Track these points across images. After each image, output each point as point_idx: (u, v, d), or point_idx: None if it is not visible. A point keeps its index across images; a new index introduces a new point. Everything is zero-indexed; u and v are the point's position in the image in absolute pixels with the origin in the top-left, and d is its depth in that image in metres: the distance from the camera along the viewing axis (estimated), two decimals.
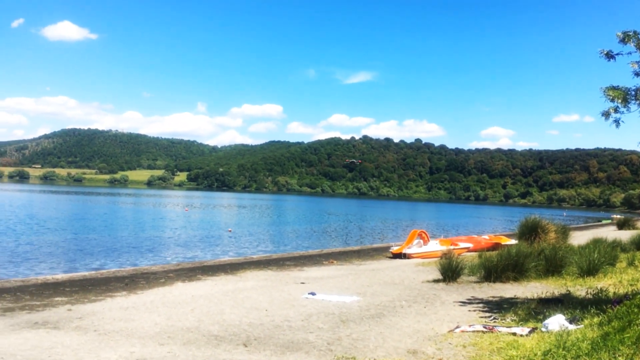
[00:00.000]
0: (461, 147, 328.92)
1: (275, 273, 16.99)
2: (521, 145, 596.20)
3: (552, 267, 14.83)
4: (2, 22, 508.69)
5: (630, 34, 8.90)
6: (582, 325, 7.62)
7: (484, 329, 8.37)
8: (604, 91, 8.96)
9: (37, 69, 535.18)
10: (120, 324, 9.04)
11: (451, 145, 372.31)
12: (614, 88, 8.95)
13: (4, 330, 8.54)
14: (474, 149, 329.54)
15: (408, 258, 22.17)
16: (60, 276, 15.57)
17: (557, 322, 7.89)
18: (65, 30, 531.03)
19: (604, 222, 71.33)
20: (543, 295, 11.29)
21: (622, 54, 9.02)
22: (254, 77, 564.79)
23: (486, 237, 28.72)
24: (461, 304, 11.30)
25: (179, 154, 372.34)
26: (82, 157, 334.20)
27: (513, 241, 23.86)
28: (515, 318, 9.25)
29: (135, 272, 16.46)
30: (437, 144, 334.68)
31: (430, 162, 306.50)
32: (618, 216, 73.07)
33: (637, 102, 8.86)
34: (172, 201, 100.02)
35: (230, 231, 39.54)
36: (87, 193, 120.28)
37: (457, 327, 8.84)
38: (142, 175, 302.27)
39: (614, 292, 10.55)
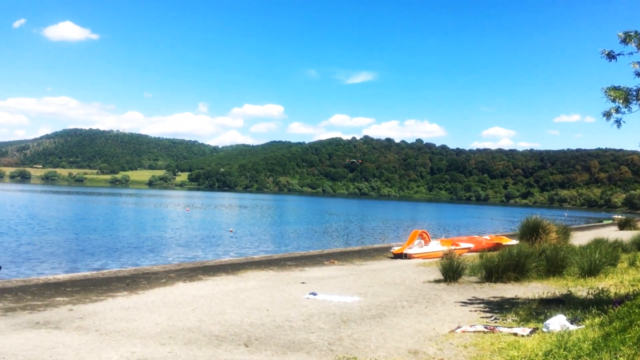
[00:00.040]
0: (462, 148, 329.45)
1: (277, 273, 16.99)
2: (522, 145, 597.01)
3: (553, 267, 14.82)
4: (3, 22, 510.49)
5: (632, 34, 8.90)
6: (583, 326, 7.62)
7: (485, 329, 8.36)
8: (605, 91, 8.96)
9: (39, 69, 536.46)
10: (121, 324, 9.04)
11: (452, 145, 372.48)
12: (615, 88, 8.95)
13: (5, 330, 8.55)
14: (475, 149, 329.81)
15: (409, 258, 22.16)
16: (62, 276, 15.58)
17: (558, 322, 7.89)
18: (67, 31, 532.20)
19: (605, 222, 71.28)
20: (544, 296, 11.28)
21: (623, 54, 9.02)
22: (255, 78, 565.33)
23: (487, 237, 28.71)
24: (462, 304, 11.29)
25: (180, 154, 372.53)
26: (83, 157, 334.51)
27: (514, 241, 23.86)
28: (516, 318, 9.25)
29: (136, 272, 16.47)
30: (438, 144, 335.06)
31: (431, 163, 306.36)
32: (619, 216, 73.00)
33: (639, 102, 8.85)
34: (173, 201, 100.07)
35: (231, 231, 39.55)
36: (88, 193, 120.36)
37: (458, 327, 8.84)
38: (144, 175, 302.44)
39: (615, 293, 10.54)
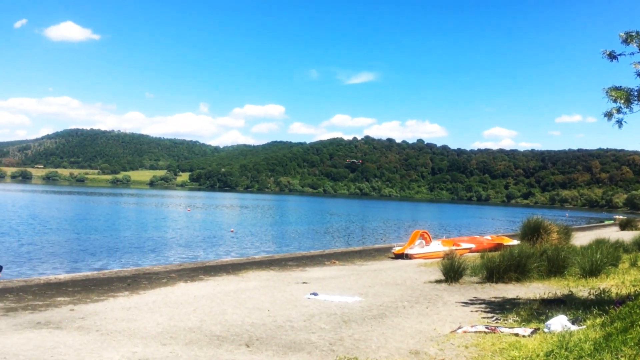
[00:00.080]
0: (463, 148, 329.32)
1: (278, 273, 16.99)
2: (523, 145, 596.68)
3: (555, 267, 14.81)
4: (5, 23, 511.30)
5: (633, 34, 8.89)
6: (584, 326, 7.61)
7: (486, 330, 8.36)
8: (607, 92, 8.95)
9: (40, 69, 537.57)
10: (122, 324, 9.05)
11: (453, 145, 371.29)
12: (616, 88, 8.94)
13: (6, 330, 8.56)
14: (476, 149, 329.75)
15: (410, 258, 22.16)
16: (63, 276, 15.59)
17: (559, 322, 7.88)
18: (68, 31, 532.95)
19: (606, 222, 71.23)
20: (545, 296, 11.27)
21: (624, 55, 9.01)
22: (256, 78, 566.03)
23: (488, 237, 28.70)
24: (463, 304, 11.28)
25: (181, 154, 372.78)
26: (84, 158, 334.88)
27: (515, 242, 23.83)
28: (517, 319, 9.24)
29: (137, 272, 16.48)
30: (439, 144, 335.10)
31: (433, 163, 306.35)
32: (620, 217, 72.96)
33: None
34: (174, 201, 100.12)
35: (232, 231, 39.57)
36: (89, 193, 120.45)
37: (460, 327, 8.83)
38: (145, 175, 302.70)
39: (617, 293, 10.53)
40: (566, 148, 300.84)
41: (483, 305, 11.02)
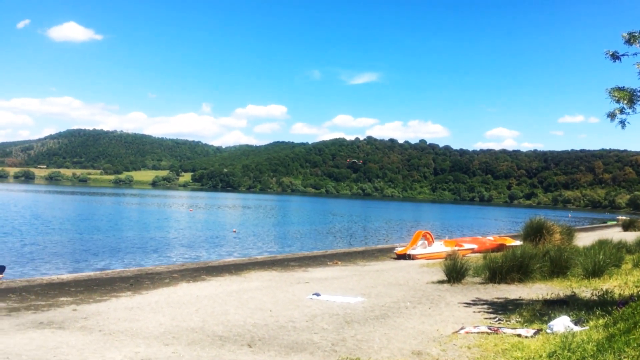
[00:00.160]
0: (466, 148, 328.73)
1: (280, 274, 16.99)
2: (526, 146, 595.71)
3: (557, 268, 14.79)
4: (7, 23, 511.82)
5: (636, 34, 8.87)
6: (587, 327, 7.60)
7: (489, 331, 8.35)
8: (610, 92, 8.94)
9: (43, 69, 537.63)
10: (125, 324, 9.06)
11: (456, 146, 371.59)
12: (619, 89, 8.92)
13: (9, 330, 8.57)
14: (478, 149, 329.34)
15: (412, 259, 22.14)
16: (66, 276, 15.62)
17: (562, 323, 7.86)
18: (71, 31, 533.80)
19: (609, 223, 71.15)
20: (548, 297, 11.26)
21: (627, 55, 8.99)
22: (258, 78, 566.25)
23: (491, 238, 28.69)
24: (466, 305, 11.27)
25: (183, 154, 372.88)
26: (87, 158, 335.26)
27: (518, 242, 23.81)
28: (520, 319, 9.23)
29: (140, 273, 16.49)
30: (441, 144, 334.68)
31: (435, 163, 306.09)
32: (623, 217, 72.92)
33: None
34: (176, 202, 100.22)
35: (234, 232, 39.59)
36: (92, 193, 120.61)
37: (462, 328, 8.82)
38: (147, 175, 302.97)
39: (620, 294, 10.52)
40: (569, 148, 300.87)
41: (485, 306, 11.01)
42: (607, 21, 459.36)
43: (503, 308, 10.66)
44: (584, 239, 25.92)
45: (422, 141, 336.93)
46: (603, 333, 6.70)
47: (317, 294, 12.36)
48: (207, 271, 17.08)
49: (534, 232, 21.64)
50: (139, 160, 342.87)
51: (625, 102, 8.82)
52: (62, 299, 11.66)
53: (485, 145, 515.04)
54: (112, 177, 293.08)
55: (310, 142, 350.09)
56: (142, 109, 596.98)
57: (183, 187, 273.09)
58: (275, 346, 7.81)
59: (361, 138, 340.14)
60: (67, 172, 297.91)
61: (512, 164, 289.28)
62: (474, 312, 10.49)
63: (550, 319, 8.45)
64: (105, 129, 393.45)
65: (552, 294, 11.74)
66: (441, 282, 14.62)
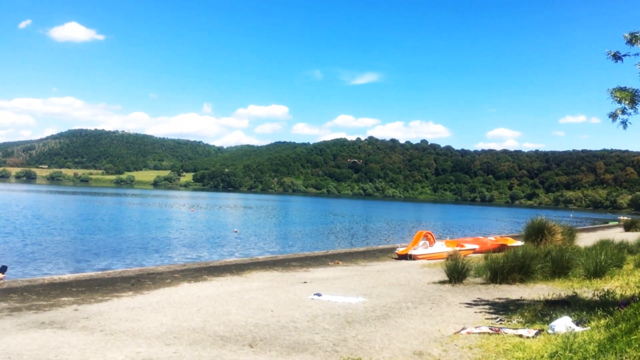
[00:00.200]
0: (467, 148, 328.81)
1: (281, 274, 16.99)
2: (527, 146, 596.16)
3: (559, 268, 14.77)
4: (9, 23, 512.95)
5: (638, 35, 8.85)
6: (588, 327, 7.59)
7: (490, 331, 8.34)
8: (611, 92, 8.93)
9: (44, 69, 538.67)
10: (126, 324, 9.06)
11: (457, 146, 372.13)
12: (621, 89, 8.91)
13: (11, 330, 8.58)
14: (480, 150, 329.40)
15: (414, 259, 22.14)
16: (67, 276, 15.63)
17: (563, 324, 7.85)
18: (73, 31, 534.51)
19: (610, 223, 71.11)
20: (549, 297, 11.25)
21: (629, 55, 8.98)
22: (259, 78, 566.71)
23: (492, 238, 28.66)
24: (467, 305, 11.27)
25: (185, 154, 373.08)
26: (88, 158, 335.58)
27: (519, 242, 23.81)
28: (521, 320, 9.22)
29: (141, 273, 16.50)
30: (443, 145, 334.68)
31: (436, 163, 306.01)
32: (625, 218, 72.82)
33: None
34: (178, 202, 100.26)
35: (236, 232, 39.60)
36: (93, 193, 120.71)
37: (463, 328, 8.82)
38: (148, 175, 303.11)
39: (621, 294, 10.50)
40: (570, 149, 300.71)
41: (487, 306, 11.00)
42: (608, 21, 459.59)
43: (504, 308, 10.66)
44: (586, 240, 25.90)
45: (424, 141, 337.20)
46: (605, 333, 6.69)
47: (319, 294, 12.36)
48: (209, 271, 17.09)
49: (536, 233, 21.63)
50: (140, 160, 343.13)
51: (627, 102, 8.81)
52: (63, 299, 11.67)
53: (486, 146, 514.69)
54: (113, 177, 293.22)
55: (311, 142, 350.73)
56: (143, 109, 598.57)
57: (184, 187, 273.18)
58: (276, 346, 7.81)
59: (362, 138, 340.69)
60: (69, 172, 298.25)
61: (514, 164, 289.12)
62: (475, 312, 10.48)
63: (551, 320, 8.44)
64: (107, 129, 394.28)
65: (553, 294, 11.73)
66: (442, 282, 14.61)
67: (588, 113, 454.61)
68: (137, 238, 32.27)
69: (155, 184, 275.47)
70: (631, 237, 27.96)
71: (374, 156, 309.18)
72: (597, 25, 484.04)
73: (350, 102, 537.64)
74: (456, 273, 14.44)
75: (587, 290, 12.24)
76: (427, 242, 23.82)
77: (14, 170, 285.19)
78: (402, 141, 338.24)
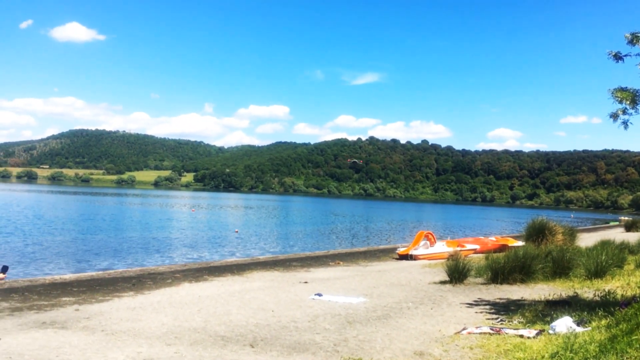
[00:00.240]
0: (468, 149, 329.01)
1: (282, 274, 16.99)
2: (528, 146, 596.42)
3: (560, 269, 14.76)
4: (11, 23, 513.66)
5: (639, 35, 8.85)
6: (589, 328, 7.59)
7: (491, 331, 8.34)
8: (612, 92, 8.93)
9: (46, 69, 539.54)
10: (127, 324, 9.07)
11: (458, 146, 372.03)
12: (622, 89, 8.91)
13: (12, 329, 8.58)
14: (480, 150, 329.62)
15: (415, 259, 22.12)
16: (68, 276, 15.64)
17: (564, 324, 7.85)
18: (74, 32, 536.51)
19: (611, 224, 71.05)
20: (550, 297, 11.24)
21: (630, 55, 8.98)
22: (260, 78, 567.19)
23: (493, 238, 28.62)
24: (468, 305, 11.26)
25: (186, 154, 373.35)
26: (89, 158, 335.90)
27: (520, 243, 23.78)
28: (522, 320, 9.22)
29: (142, 273, 16.51)
30: (443, 145, 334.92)
31: (437, 164, 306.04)
32: (626, 218, 72.74)
33: None
34: (179, 202, 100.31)
35: (236, 232, 39.61)
36: (94, 193, 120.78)
37: (464, 328, 8.82)
38: (149, 175, 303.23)
39: (622, 295, 10.50)
40: (571, 149, 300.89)
41: (488, 307, 11.00)
42: (609, 21, 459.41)
43: (505, 309, 10.65)
44: (587, 240, 25.89)
45: (425, 141, 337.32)
46: (605, 334, 6.69)
47: (319, 294, 12.36)
48: (210, 271, 17.09)
49: (536, 233, 21.61)
50: (141, 160, 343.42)
51: (628, 102, 8.81)
52: (64, 299, 11.68)
53: (487, 146, 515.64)
54: (114, 177, 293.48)
55: (312, 143, 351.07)
56: (144, 109, 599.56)
57: (185, 187, 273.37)
58: (277, 346, 7.82)
59: (363, 138, 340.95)
60: (70, 172, 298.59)
61: (515, 165, 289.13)
62: (476, 312, 10.48)
63: (552, 320, 8.43)
64: (108, 129, 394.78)
65: (554, 294, 11.72)
66: (443, 282, 14.61)
67: (589, 113, 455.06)
68: (138, 238, 32.28)
69: (156, 184, 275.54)
70: (632, 237, 27.94)
71: (375, 156, 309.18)
72: (598, 25, 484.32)
73: (351, 102, 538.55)
74: (457, 273, 14.43)
75: (588, 290, 12.24)
76: (428, 243, 23.80)
77: (15, 170, 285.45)
78: (403, 141, 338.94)
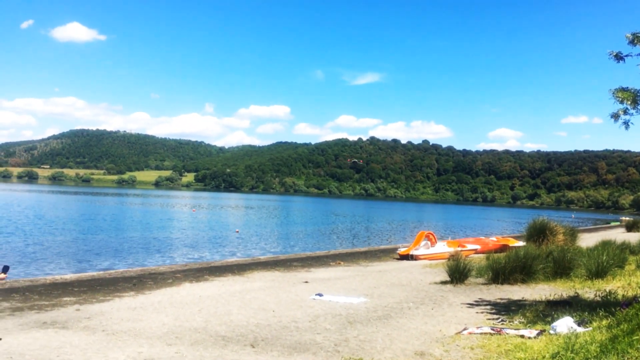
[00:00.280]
0: (469, 149, 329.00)
1: (283, 274, 17.00)
2: (529, 146, 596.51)
3: (560, 269, 14.76)
4: (11, 23, 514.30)
5: None
6: (590, 328, 7.59)
7: (492, 331, 8.34)
8: (613, 93, 8.93)
9: (46, 69, 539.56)
10: (128, 324, 9.07)
11: (459, 146, 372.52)
12: (623, 89, 8.91)
13: (13, 329, 8.59)
14: (481, 150, 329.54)
15: (415, 259, 22.13)
16: (69, 276, 15.65)
17: (565, 324, 7.85)
18: (74, 32, 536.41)
19: (612, 224, 71.02)
20: (551, 298, 11.24)
21: (631, 56, 8.98)
22: (261, 78, 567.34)
23: (494, 238, 28.63)
24: (469, 305, 11.26)
25: (186, 154, 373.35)
26: (90, 158, 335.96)
27: (521, 243, 23.79)
28: (523, 320, 9.22)
29: (143, 273, 16.51)
30: (444, 145, 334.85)
31: (438, 164, 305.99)
32: (627, 218, 72.71)
33: None
34: (179, 202, 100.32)
35: (237, 232, 39.61)
36: (95, 193, 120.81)
37: (465, 329, 8.81)
38: (150, 175, 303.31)
39: (623, 295, 10.50)
40: (572, 149, 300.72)
41: (488, 307, 11.00)
42: (610, 21, 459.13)
43: (506, 309, 10.65)
44: (587, 240, 25.88)
45: (425, 141, 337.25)
46: (606, 334, 6.68)
47: (320, 294, 12.36)
48: (210, 271, 17.10)
49: (537, 233, 21.59)
50: (142, 160, 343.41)
51: (629, 102, 8.80)
52: (65, 298, 11.69)
53: (488, 146, 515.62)
54: (115, 177, 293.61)
55: (313, 143, 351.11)
56: (145, 109, 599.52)
57: (186, 187, 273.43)
58: (278, 346, 7.82)
59: (364, 138, 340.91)
60: (71, 172, 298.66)
61: (515, 165, 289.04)
62: (477, 312, 10.48)
63: (553, 320, 8.43)
64: (109, 129, 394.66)
65: (555, 294, 11.71)
66: (444, 282, 14.61)
67: (590, 113, 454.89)
68: (138, 238, 32.29)
69: (157, 184, 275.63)
70: (633, 237, 27.93)
71: (376, 156, 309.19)
72: (598, 25, 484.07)
73: (351, 102, 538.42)
74: (458, 273, 14.43)
75: (589, 290, 12.23)
76: (429, 243, 23.81)
77: (16, 170, 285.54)
78: (403, 141, 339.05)
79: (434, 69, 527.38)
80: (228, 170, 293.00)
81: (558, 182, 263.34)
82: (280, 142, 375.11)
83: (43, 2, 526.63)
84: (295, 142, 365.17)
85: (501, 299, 12.02)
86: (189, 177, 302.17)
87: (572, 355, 5.96)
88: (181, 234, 36.62)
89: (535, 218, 23.02)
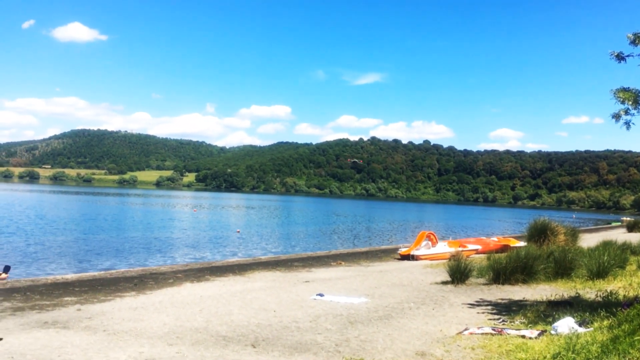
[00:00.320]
0: (470, 149, 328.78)
1: (284, 274, 17.00)
2: (530, 147, 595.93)
3: (562, 269, 14.75)
4: (13, 23, 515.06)
5: None
6: (591, 328, 7.58)
7: (493, 332, 8.33)
8: (615, 93, 8.92)
9: (47, 69, 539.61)
10: (129, 324, 9.07)
11: (460, 146, 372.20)
12: (624, 90, 8.91)
13: (14, 329, 8.60)
14: (482, 150, 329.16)
15: (416, 260, 22.12)
16: (70, 276, 15.66)
17: (566, 324, 7.84)
18: (76, 32, 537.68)
19: (613, 224, 70.98)
20: (552, 298, 11.23)
21: (632, 56, 8.98)
22: (262, 79, 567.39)
23: (495, 238, 28.62)
24: (469, 306, 11.26)
25: (187, 154, 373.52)
26: (91, 158, 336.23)
27: (522, 243, 23.77)
28: (524, 320, 9.21)
29: (144, 273, 16.52)
30: (445, 145, 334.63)
31: (439, 164, 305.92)
32: (628, 218, 72.72)
33: None
34: (180, 202, 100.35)
35: (238, 232, 39.61)
36: (96, 193, 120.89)
37: (466, 329, 8.81)
38: (151, 175, 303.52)
39: (624, 295, 10.48)
40: (573, 149, 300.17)
41: (489, 307, 10.99)
42: (611, 21, 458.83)
43: (507, 309, 10.64)
44: (588, 240, 25.86)
45: (426, 142, 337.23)
46: (607, 334, 6.68)
47: (321, 295, 12.36)
48: (211, 271, 17.11)
49: (538, 233, 21.58)
50: (143, 160, 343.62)
51: (630, 103, 8.80)
52: (66, 298, 11.69)
53: (489, 146, 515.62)
54: (116, 177, 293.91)
55: (314, 143, 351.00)
56: (146, 109, 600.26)
57: (187, 187, 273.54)
58: (279, 346, 7.82)
59: (365, 138, 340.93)
60: (72, 172, 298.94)
61: (516, 165, 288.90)
62: (478, 313, 10.47)
63: (554, 320, 8.42)
64: (110, 129, 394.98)
65: (556, 295, 11.70)
66: (445, 282, 14.60)
67: (591, 113, 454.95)
68: (139, 238, 32.30)
69: (158, 184, 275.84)
70: (634, 237, 27.90)
71: (377, 156, 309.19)
72: (600, 25, 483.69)
73: (352, 103, 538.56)
74: (459, 273, 14.43)
75: (590, 291, 12.23)
76: (430, 243, 23.80)
77: (17, 170, 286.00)
78: (404, 141, 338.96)
79: (434, 69, 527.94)
80: (229, 170, 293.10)
81: (559, 182, 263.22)
82: (281, 142, 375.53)
83: (44, 2, 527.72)
84: (296, 142, 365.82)
85: (502, 299, 12.01)
86: (190, 177, 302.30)
87: (573, 355, 5.96)
88: (182, 234, 36.64)
89: (536, 218, 23.01)
